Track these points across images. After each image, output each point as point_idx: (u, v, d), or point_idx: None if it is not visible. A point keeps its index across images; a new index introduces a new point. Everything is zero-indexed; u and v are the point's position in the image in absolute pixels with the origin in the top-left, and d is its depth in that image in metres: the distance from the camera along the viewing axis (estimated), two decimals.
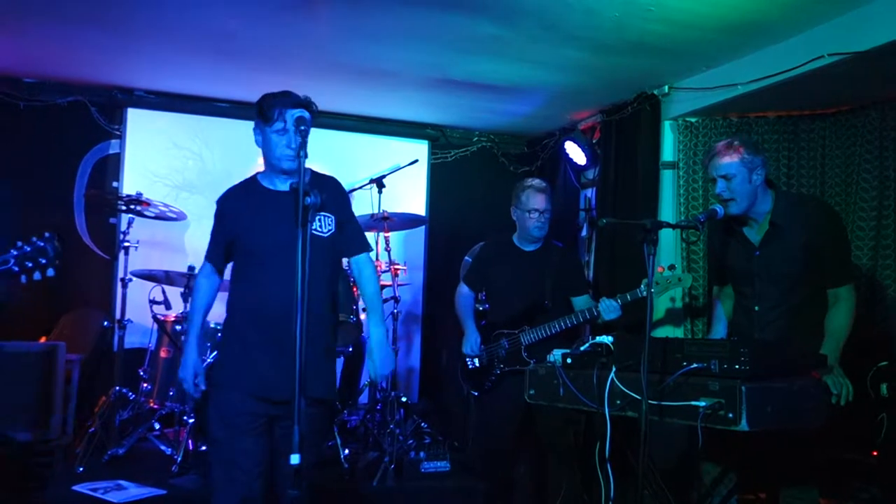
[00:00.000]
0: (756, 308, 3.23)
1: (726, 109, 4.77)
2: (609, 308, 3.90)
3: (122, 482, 3.89)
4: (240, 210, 2.93)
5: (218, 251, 3.02)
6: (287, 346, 2.50)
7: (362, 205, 5.54)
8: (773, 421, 2.44)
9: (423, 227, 6.30)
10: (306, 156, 2.31)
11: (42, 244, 2.63)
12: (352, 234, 3.02)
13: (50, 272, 2.64)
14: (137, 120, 5.82)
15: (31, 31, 4.57)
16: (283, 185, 2.89)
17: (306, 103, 2.82)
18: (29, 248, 2.63)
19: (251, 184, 2.98)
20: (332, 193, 2.90)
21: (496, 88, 5.32)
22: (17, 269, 2.61)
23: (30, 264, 2.63)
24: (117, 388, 4.51)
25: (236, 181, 3.08)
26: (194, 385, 2.94)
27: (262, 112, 2.80)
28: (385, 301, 4.95)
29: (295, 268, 2.47)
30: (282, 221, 2.70)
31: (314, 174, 2.88)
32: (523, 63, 4.74)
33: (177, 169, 5.91)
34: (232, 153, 5.90)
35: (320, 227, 2.85)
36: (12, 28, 4.52)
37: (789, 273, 3.14)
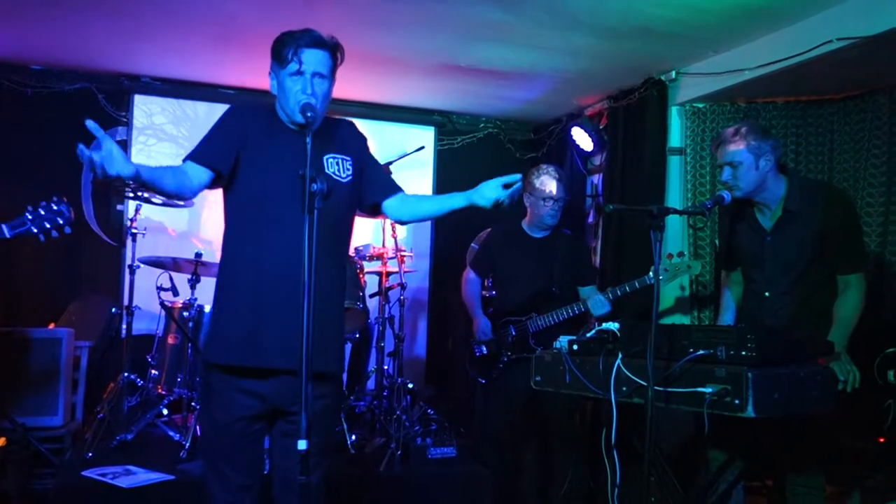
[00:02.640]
0: (766, 294, 3.22)
1: (734, 95, 4.75)
2: (598, 303, 3.94)
3: (130, 467, 3.91)
4: (251, 134, 2.47)
5: (213, 149, 2.46)
6: (291, 312, 2.19)
7: None
8: (780, 408, 2.43)
9: None
10: (312, 140, 2.10)
11: (56, 206, 2.98)
12: (376, 176, 2.67)
13: (67, 230, 2.99)
14: (144, 106, 5.84)
15: (37, 18, 4.56)
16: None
17: (331, 44, 2.45)
18: (44, 212, 2.97)
19: (269, 114, 2.53)
20: (347, 135, 2.63)
21: (502, 74, 5.30)
22: (35, 229, 2.94)
23: (48, 225, 2.96)
24: (125, 374, 4.53)
25: None
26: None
27: (277, 53, 2.44)
28: (391, 288, 4.97)
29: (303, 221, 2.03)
30: (295, 163, 2.19)
31: (325, 119, 2.54)
32: (529, 49, 4.72)
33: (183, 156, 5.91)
34: None
35: (338, 170, 2.51)
36: (19, 15, 4.52)
37: (801, 259, 3.13)
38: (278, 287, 2.37)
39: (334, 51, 2.46)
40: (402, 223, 2.77)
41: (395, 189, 2.67)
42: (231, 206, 2.53)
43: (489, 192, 2.45)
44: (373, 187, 2.64)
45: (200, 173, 2.43)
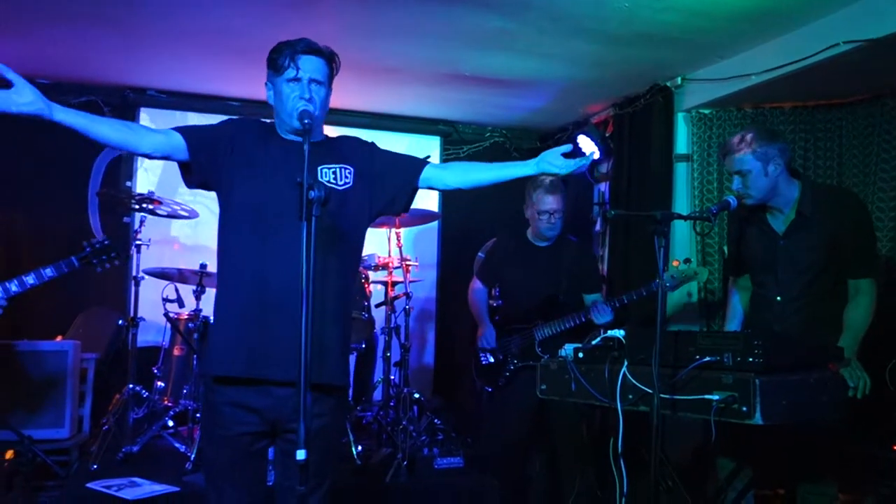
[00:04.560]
0: (778, 298, 3.18)
1: (740, 100, 4.72)
2: (600, 313, 3.92)
3: (136, 479, 3.89)
4: (242, 142, 2.45)
5: (195, 128, 2.48)
6: (291, 323, 2.11)
7: None
8: (789, 414, 2.39)
9: (436, 223, 6.27)
10: (309, 148, 2.09)
11: (108, 243, 3.74)
12: (397, 165, 2.61)
13: (117, 262, 3.76)
14: (150, 119, 5.86)
15: (43, 33, 4.59)
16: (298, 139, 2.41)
17: (326, 52, 2.44)
18: (98, 246, 3.69)
19: (269, 128, 2.53)
20: (347, 146, 2.58)
21: (507, 83, 5.29)
22: (95, 261, 3.67)
23: (104, 257, 3.70)
24: (131, 386, 4.52)
25: None
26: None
27: (272, 61, 2.43)
28: (397, 297, 4.95)
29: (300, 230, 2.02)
30: (290, 173, 2.17)
31: (328, 138, 2.58)
32: (533, 56, 4.70)
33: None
34: None
35: (334, 179, 2.45)
36: (25, 30, 4.54)
37: (814, 263, 3.09)
38: (278, 298, 2.31)
39: (330, 59, 2.45)
40: (449, 190, 2.72)
41: (422, 162, 2.62)
42: (225, 218, 2.48)
43: (555, 160, 2.48)
44: (398, 178, 2.58)
45: (172, 136, 2.40)
